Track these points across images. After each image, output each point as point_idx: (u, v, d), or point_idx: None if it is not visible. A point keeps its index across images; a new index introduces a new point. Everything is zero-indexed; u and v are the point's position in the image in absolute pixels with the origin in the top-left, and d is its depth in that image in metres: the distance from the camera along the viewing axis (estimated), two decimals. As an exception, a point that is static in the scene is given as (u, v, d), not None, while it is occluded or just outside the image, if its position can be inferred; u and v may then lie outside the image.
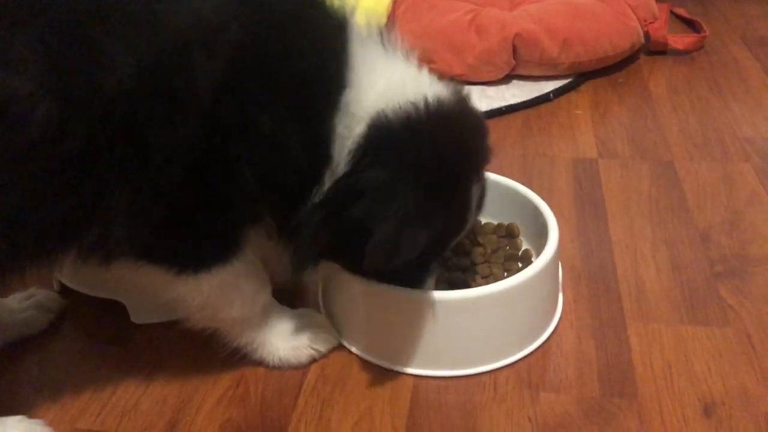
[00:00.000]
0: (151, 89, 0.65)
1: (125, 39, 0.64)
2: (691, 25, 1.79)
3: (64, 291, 0.99)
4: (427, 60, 1.50)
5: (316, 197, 0.72)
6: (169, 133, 0.66)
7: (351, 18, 0.75)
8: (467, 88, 0.84)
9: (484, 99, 1.45)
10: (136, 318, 0.94)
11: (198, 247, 0.74)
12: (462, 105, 0.80)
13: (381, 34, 0.76)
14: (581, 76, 1.54)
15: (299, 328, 0.86)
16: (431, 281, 0.83)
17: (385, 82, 0.73)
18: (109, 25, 0.64)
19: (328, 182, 0.72)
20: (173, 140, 0.67)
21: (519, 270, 0.92)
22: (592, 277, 0.99)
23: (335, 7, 0.74)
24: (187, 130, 0.67)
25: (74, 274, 0.97)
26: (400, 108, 0.72)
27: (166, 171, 0.67)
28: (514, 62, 1.50)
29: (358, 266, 0.78)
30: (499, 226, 1.00)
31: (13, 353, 0.90)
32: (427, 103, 0.74)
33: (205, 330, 0.83)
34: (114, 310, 0.94)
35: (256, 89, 0.68)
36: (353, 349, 0.88)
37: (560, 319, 0.92)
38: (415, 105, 0.73)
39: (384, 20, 1.57)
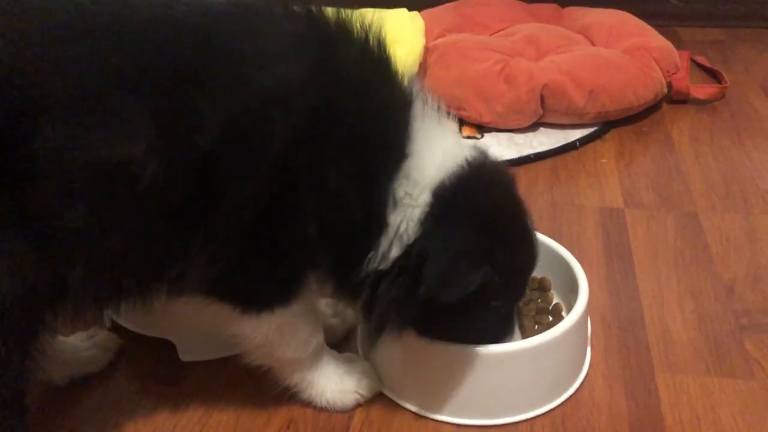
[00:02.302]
0: (233, 143, 0.72)
1: (216, 100, 0.71)
2: (712, 74, 1.85)
3: (115, 329, 1.05)
4: (457, 107, 1.59)
5: (378, 263, 0.78)
6: (244, 183, 0.73)
7: (417, 93, 0.81)
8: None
9: (513, 146, 1.51)
10: (185, 356, 1.00)
11: (262, 289, 0.81)
12: (487, 156, 0.87)
13: (438, 107, 0.82)
14: (606, 125, 1.60)
15: (346, 373, 0.92)
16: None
17: (441, 154, 0.80)
18: (203, 88, 0.71)
19: (390, 248, 0.78)
20: (246, 189, 0.74)
21: (549, 323, 0.98)
22: (621, 327, 1.04)
23: (403, 80, 0.81)
24: (259, 181, 0.74)
25: (127, 313, 1.04)
26: (452, 174, 0.79)
27: (237, 217, 0.74)
28: (541, 111, 1.56)
29: (437, 332, 0.85)
30: (532, 279, 1.05)
31: (75, 392, 0.95)
32: (468, 162, 0.81)
33: (259, 367, 0.89)
34: (164, 349, 1.00)
35: (326, 148, 0.75)
36: (394, 397, 0.93)
37: (591, 367, 0.96)
38: (461, 167, 0.81)
39: (416, 68, 1.64)
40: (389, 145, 0.78)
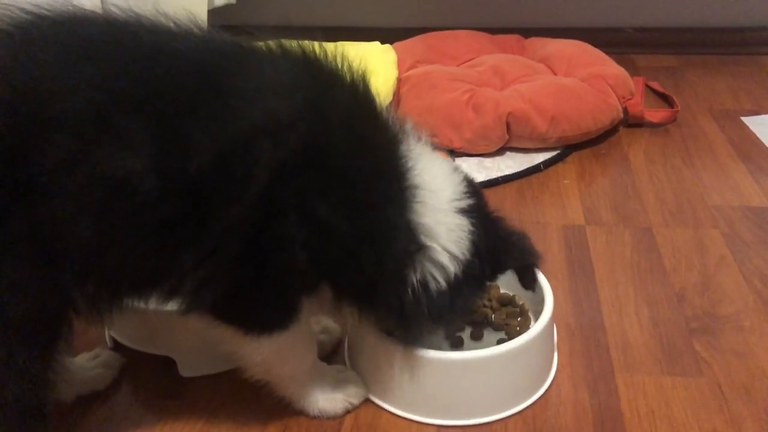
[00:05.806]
0: (221, 170, 0.77)
1: (209, 130, 0.76)
2: (665, 99, 1.99)
3: (117, 348, 1.12)
4: (429, 134, 1.69)
5: (427, 281, 0.86)
6: (230, 208, 0.78)
7: (405, 128, 0.88)
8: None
9: (482, 170, 1.62)
10: (185, 372, 1.07)
11: (262, 314, 0.88)
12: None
13: (424, 138, 0.90)
14: (568, 148, 1.72)
15: (336, 383, 1.00)
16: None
17: (446, 178, 0.88)
18: (198, 118, 0.77)
19: (436, 267, 0.87)
20: (232, 214, 0.78)
21: (518, 323, 1.10)
22: (584, 333, 1.14)
23: (389, 118, 0.87)
24: (245, 208, 0.78)
25: (128, 332, 1.11)
26: (466, 193, 0.90)
27: (225, 241, 0.79)
28: (507, 137, 1.67)
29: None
30: (504, 295, 1.15)
31: (83, 408, 1.02)
32: (466, 180, 0.93)
33: (257, 381, 0.96)
34: (165, 365, 1.07)
35: (316, 180, 0.79)
36: (380, 402, 1.01)
37: (558, 371, 1.06)
38: (466, 186, 0.91)
39: (390, 98, 1.75)
40: (388, 178, 0.83)
